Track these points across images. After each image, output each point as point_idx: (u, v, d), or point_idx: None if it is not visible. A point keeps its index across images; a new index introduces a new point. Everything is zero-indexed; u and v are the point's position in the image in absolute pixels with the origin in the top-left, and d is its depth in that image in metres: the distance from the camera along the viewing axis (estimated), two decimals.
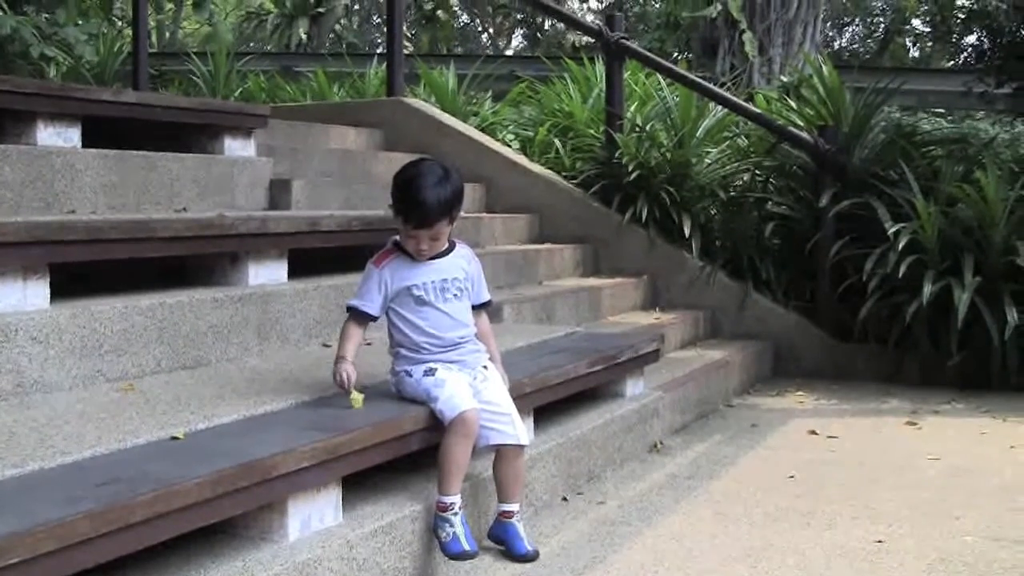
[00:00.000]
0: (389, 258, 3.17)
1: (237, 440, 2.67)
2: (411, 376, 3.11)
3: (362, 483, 2.98)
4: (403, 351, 3.16)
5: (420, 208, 3.05)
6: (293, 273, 4.24)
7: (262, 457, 2.51)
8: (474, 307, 3.26)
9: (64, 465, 2.41)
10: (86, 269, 3.53)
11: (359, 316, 3.16)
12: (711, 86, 7.21)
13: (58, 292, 3.33)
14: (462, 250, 3.26)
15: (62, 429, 2.68)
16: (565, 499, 3.76)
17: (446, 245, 3.19)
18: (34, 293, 3.23)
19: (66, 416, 2.83)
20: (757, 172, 6.99)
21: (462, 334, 3.18)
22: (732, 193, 6.97)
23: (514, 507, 3.18)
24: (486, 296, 3.33)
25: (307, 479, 2.64)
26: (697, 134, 7.07)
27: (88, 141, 4.47)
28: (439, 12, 20.59)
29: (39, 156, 4.10)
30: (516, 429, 3.14)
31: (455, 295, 3.17)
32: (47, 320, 3.14)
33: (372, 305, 3.14)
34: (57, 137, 4.35)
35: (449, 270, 3.18)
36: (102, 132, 4.57)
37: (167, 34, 25.76)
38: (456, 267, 3.20)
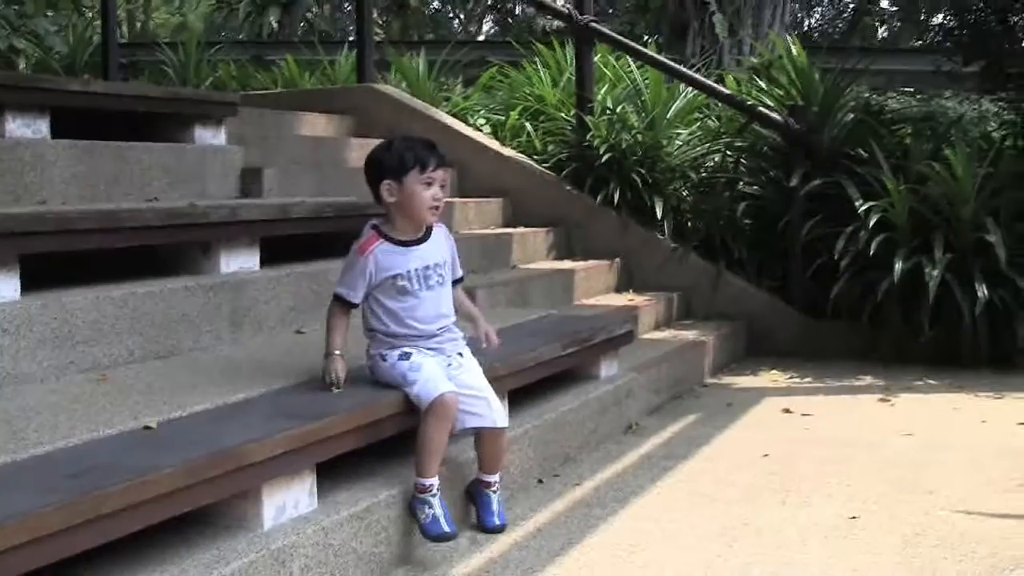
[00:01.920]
0: (374, 245, 3.13)
1: (210, 429, 2.67)
2: (385, 360, 3.11)
3: (337, 469, 2.98)
4: (379, 335, 3.16)
5: (430, 148, 3.11)
6: (266, 261, 4.23)
7: (235, 445, 2.51)
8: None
9: (36, 456, 2.41)
10: (57, 260, 3.51)
11: (345, 304, 3.14)
12: (680, 67, 7.20)
13: (29, 283, 3.31)
14: (439, 230, 3.25)
15: (34, 420, 2.68)
16: (541, 481, 3.78)
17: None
18: (4, 285, 3.22)
19: (38, 407, 2.82)
20: (728, 153, 7.01)
21: (442, 325, 3.18)
22: (703, 174, 7.00)
23: (492, 478, 3.22)
24: (459, 272, 3.35)
25: (281, 466, 2.64)
26: (668, 116, 7.09)
27: (58, 132, 4.44)
28: None
29: (8, 148, 4.07)
30: (493, 411, 3.15)
31: (438, 281, 3.16)
32: (18, 311, 3.13)
33: (357, 294, 3.12)
34: (26, 128, 4.32)
35: (432, 255, 3.17)
36: (72, 123, 4.54)
37: (138, 24, 25.58)
38: (438, 251, 3.19)
